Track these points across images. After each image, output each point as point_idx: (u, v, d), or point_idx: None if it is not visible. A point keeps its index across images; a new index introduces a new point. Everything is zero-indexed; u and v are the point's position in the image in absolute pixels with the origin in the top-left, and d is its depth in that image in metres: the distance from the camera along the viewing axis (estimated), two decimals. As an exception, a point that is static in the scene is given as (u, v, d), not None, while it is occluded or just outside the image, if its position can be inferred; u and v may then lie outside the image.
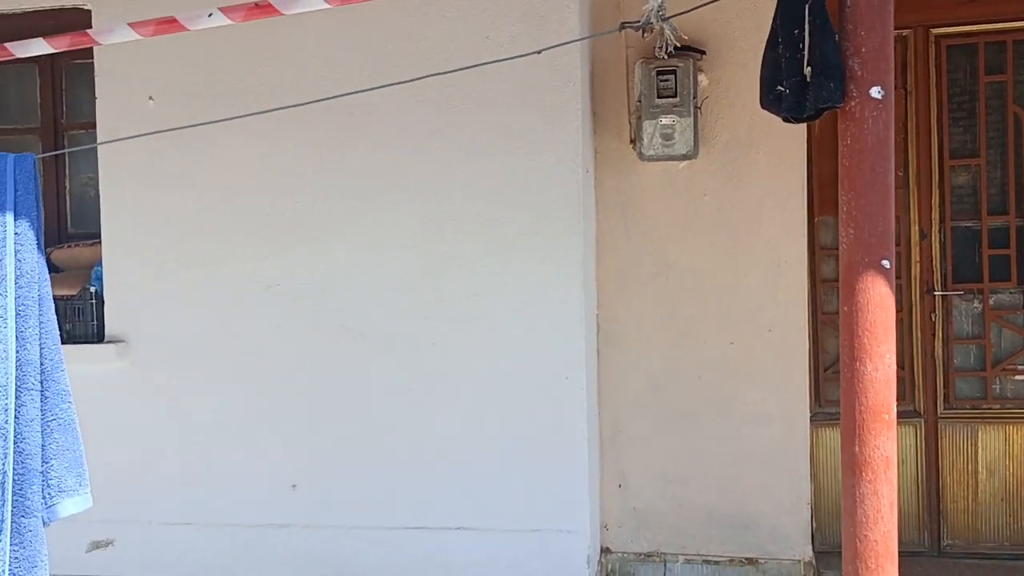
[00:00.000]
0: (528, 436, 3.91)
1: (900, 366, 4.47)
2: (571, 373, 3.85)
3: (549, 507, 3.92)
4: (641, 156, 4.14)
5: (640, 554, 4.29)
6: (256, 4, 1.86)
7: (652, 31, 1.87)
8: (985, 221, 4.41)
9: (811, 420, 4.25)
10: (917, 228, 4.45)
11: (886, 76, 1.77)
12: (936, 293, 4.43)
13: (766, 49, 1.93)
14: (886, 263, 1.79)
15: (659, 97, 4.08)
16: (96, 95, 4.27)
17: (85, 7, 4.28)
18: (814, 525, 4.36)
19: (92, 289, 4.29)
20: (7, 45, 2.22)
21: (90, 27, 4.29)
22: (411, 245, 3.98)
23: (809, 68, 1.70)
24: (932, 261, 4.44)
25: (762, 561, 4.17)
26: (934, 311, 4.44)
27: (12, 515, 1.69)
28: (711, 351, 4.21)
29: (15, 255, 1.74)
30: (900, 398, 4.48)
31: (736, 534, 4.20)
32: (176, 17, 1.89)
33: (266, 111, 2.74)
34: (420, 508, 4.01)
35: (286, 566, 4.07)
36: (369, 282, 4.01)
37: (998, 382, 4.41)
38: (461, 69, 2.61)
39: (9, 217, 1.76)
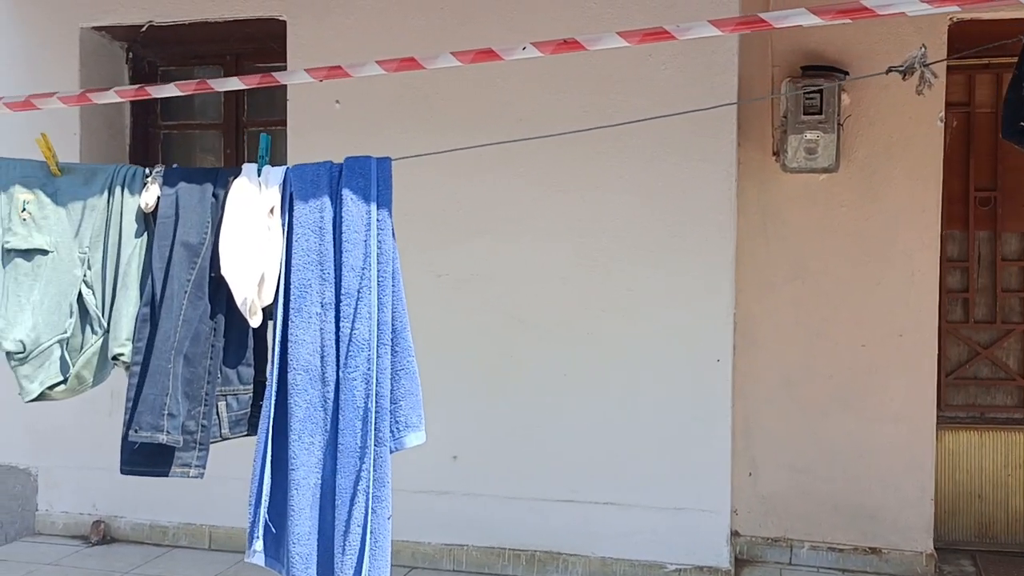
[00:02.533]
0: (675, 420, 4.24)
1: (1021, 374, 4.74)
2: (722, 356, 4.18)
3: (692, 487, 4.24)
4: (784, 168, 4.45)
5: (768, 538, 4.59)
6: (564, 41, 2.19)
7: (913, 74, 2.16)
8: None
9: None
10: (1040, 245, 4.69)
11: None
12: (1055, 307, 4.67)
13: (1008, 91, 2.25)
14: None
15: (805, 114, 4.38)
16: (288, 97, 4.66)
17: (280, 18, 4.70)
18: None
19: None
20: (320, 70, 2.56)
21: (283, 37, 4.69)
22: (572, 241, 4.33)
23: None
24: (1052, 277, 4.68)
25: (885, 551, 4.45)
26: (1052, 323, 4.69)
27: (372, 444, 2.07)
28: (843, 352, 4.51)
29: (377, 238, 2.13)
30: (1018, 405, 4.76)
31: (860, 524, 4.49)
32: (493, 48, 2.23)
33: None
34: (570, 482, 4.35)
35: (446, 529, 4.44)
36: (532, 274, 4.36)
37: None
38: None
39: (373, 207, 2.14)
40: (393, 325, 2.17)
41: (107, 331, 2.35)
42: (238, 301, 2.18)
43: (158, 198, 2.30)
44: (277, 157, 5.04)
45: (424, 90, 4.43)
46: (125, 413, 2.24)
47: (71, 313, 2.35)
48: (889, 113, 4.44)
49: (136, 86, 2.43)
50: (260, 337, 2.36)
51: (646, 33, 2.29)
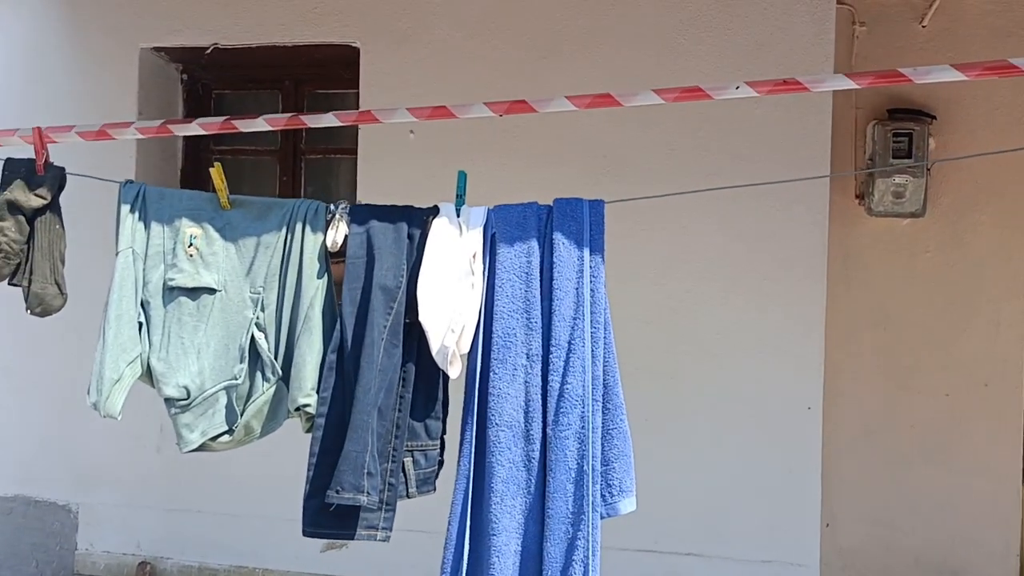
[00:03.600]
0: (763, 468, 4.11)
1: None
2: (812, 404, 4.07)
3: (780, 539, 4.11)
4: (870, 211, 4.38)
5: (848, 592, 4.46)
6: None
7: None
8: None
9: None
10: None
11: None
12: None
13: None
14: None
15: (893, 157, 4.32)
16: (358, 125, 4.52)
17: (354, 44, 4.57)
18: None
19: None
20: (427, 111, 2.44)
21: (354, 64, 4.56)
22: (659, 281, 4.21)
23: None
24: None
25: (968, 607, 4.34)
26: None
27: (590, 509, 1.92)
28: (926, 401, 4.42)
29: (589, 285, 1.99)
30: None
31: (943, 579, 4.38)
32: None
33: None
34: (651, 532, 4.20)
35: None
36: (617, 314, 4.23)
37: None
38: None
39: (585, 252, 2.00)
40: (605, 380, 2.02)
41: (282, 378, 2.17)
42: (434, 350, 2.02)
43: (346, 236, 2.13)
44: (342, 187, 4.89)
45: (504, 122, 4.30)
46: (309, 470, 2.06)
47: (241, 358, 2.18)
48: (976, 159, 4.38)
49: (222, 118, 2.27)
50: (446, 389, 2.19)
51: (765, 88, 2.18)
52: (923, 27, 4.49)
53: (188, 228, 2.20)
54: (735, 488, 4.12)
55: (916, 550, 4.43)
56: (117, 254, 2.20)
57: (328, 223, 2.16)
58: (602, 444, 2.01)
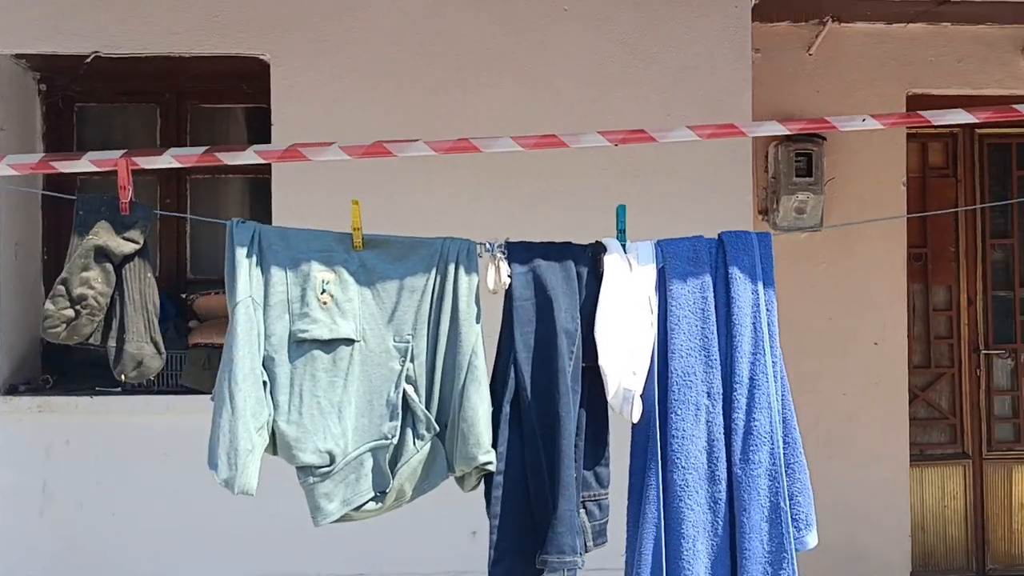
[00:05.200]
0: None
1: (952, 414, 5.25)
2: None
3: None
4: (774, 227, 4.69)
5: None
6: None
7: None
8: (1017, 291, 5.30)
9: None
10: (965, 296, 5.27)
11: None
12: (981, 351, 5.26)
13: None
14: None
15: (796, 176, 4.65)
16: (272, 141, 4.22)
17: (263, 57, 4.25)
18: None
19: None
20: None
21: (258, 77, 4.25)
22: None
23: None
24: (977, 324, 5.27)
25: (873, 586, 4.76)
26: (979, 367, 5.27)
27: (791, 547, 1.91)
28: (827, 401, 4.80)
29: (766, 320, 1.97)
30: (951, 442, 5.29)
31: (850, 564, 4.77)
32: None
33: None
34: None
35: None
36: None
37: (1028, 427, 5.29)
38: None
39: (760, 286, 1.98)
40: (783, 414, 2.02)
41: (438, 434, 1.97)
42: (611, 393, 1.92)
43: (509, 277, 1.97)
44: (231, 209, 4.54)
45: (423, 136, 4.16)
46: (492, 533, 1.89)
47: (392, 415, 1.95)
48: (860, 176, 4.81)
49: (200, 149, 2.06)
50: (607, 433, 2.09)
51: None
52: (810, 55, 4.85)
53: (319, 273, 1.94)
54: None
55: (823, 537, 4.74)
56: (236, 304, 1.90)
57: (494, 263, 1.99)
58: (787, 480, 2.00)
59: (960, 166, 5.29)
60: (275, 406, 1.93)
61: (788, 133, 4.61)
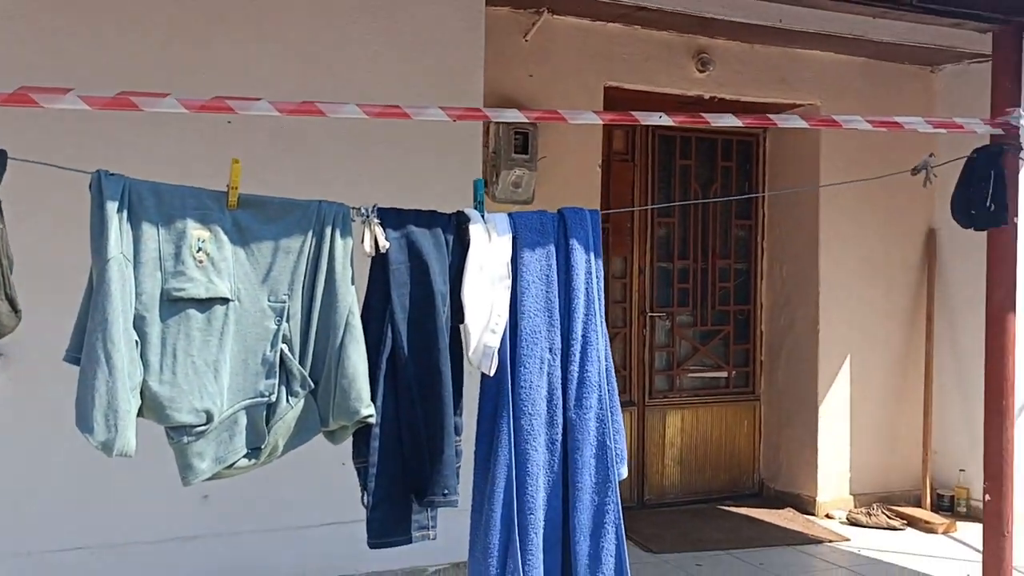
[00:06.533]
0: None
1: (624, 367, 6.05)
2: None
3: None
4: (494, 199, 5.10)
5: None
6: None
7: (922, 172, 2.98)
8: (676, 263, 6.22)
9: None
10: (637, 266, 6.09)
11: (1016, 211, 3.23)
12: (648, 314, 6.12)
13: (958, 187, 3.23)
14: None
15: (515, 152, 5.09)
16: None
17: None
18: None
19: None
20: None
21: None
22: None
23: (992, 204, 3.06)
24: (645, 290, 6.11)
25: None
26: (645, 327, 6.12)
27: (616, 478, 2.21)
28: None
29: (596, 285, 2.25)
30: (623, 392, 6.11)
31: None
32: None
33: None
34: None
35: (198, 577, 4.10)
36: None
37: (679, 379, 6.25)
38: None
39: (592, 256, 2.25)
40: (606, 365, 2.32)
41: (313, 391, 2.00)
42: (473, 350, 2.10)
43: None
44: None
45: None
46: (370, 480, 1.97)
47: (269, 373, 1.95)
48: (564, 158, 5.35)
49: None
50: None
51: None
52: (526, 41, 5.28)
53: (195, 231, 1.87)
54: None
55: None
56: (108, 261, 1.79)
57: (365, 227, 2.04)
58: (610, 420, 2.31)
59: (637, 152, 6.03)
60: (145, 366, 1.86)
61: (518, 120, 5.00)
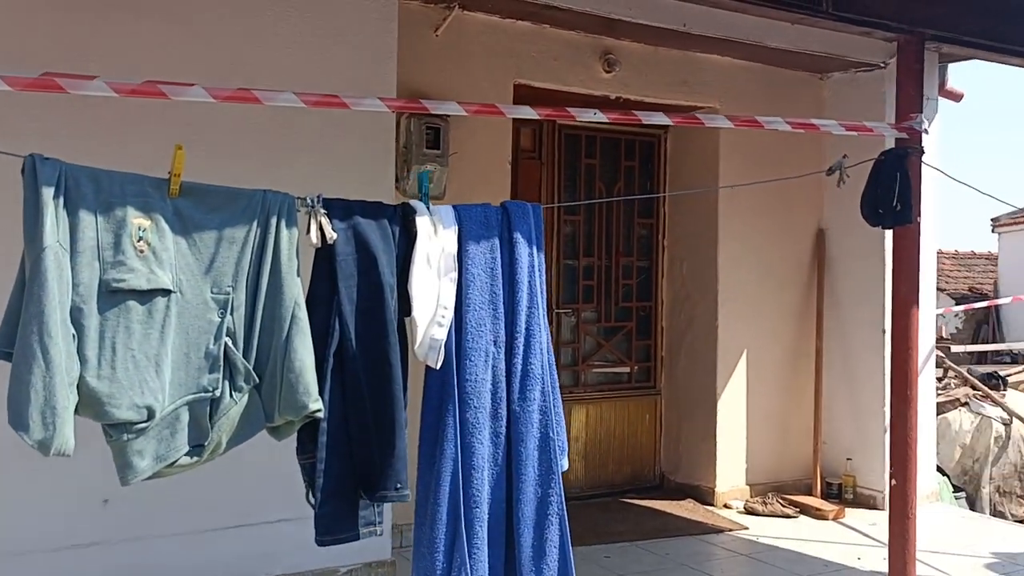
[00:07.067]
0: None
1: (531, 364, 6.08)
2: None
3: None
4: (404, 194, 5.07)
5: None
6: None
7: (836, 173, 3.08)
8: (581, 261, 6.32)
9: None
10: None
11: (919, 210, 3.37)
12: (554, 310, 6.19)
13: (867, 188, 3.35)
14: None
15: (427, 147, 5.08)
16: None
17: None
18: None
19: None
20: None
21: None
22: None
23: (899, 204, 3.19)
24: (551, 287, 6.18)
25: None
26: (551, 323, 6.18)
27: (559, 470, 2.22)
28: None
29: (539, 278, 2.25)
30: (529, 388, 6.13)
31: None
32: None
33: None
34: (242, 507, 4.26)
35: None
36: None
37: (584, 375, 6.35)
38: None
39: (534, 249, 2.24)
40: (548, 359, 2.33)
41: (257, 386, 1.93)
42: (420, 342, 2.07)
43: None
44: None
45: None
46: (318, 477, 1.91)
47: (213, 367, 1.87)
48: (475, 154, 5.37)
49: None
50: (398, 378, 2.21)
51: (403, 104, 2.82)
52: (437, 36, 5.26)
53: (135, 219, 1.77)
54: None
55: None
56: (44, 250, 1.68)
57: (309, 218, 1.99)
58: (554, 415, 2.33)
59: (544, 150, 6.09)
60: (82, 361, 1.76)
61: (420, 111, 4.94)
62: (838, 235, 6.24)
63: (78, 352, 1.76)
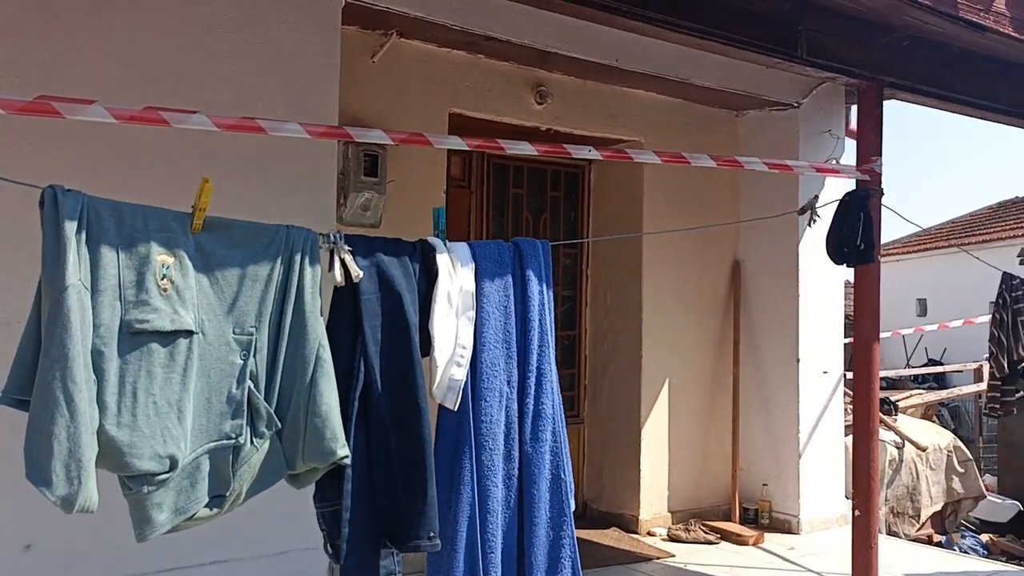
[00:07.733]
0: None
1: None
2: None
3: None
4: (340, 220, 4.98)
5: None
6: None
7: (807, 212, 3.15)
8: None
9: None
10: (472, 292, 6.12)
11: (879, 249, 3.47)
12: (482, 340, 6.15)
13: (831, 229, 3.44)
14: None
15: (364, 175, 5.00)
16: None
17: None
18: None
19: None
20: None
21: None
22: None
23: (862, 243, 3.29)
24: (480, 317, 6.15)
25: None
26: (479, 353, 6.15)
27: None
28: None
29: (549, 317, 2.22)
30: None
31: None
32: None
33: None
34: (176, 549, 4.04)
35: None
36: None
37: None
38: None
39: (544, 287, 2.20)
40: (558, 398, 2.29)
41: (280, 431, 1.82)
42: (439, 383, 2.00)
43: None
44: None
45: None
46: (343, 526, 1.82)
47: (236, 413, 1.74)
48: (410, 183, 5.32)
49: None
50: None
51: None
52: (373, 62, 5.20)
53: (159, 256, 1.65)
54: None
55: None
56: (66, 289, 1.54)
57: (332, 255, 1.89)
58: (562, 455, 2.29)
59: (474, 179, 6.08)
60: (101, 408, 1.63)
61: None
62: (753, 267, 6.44)
63: (101, 399, 1.63)
